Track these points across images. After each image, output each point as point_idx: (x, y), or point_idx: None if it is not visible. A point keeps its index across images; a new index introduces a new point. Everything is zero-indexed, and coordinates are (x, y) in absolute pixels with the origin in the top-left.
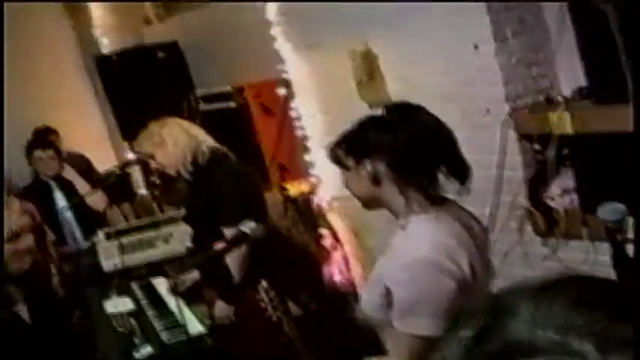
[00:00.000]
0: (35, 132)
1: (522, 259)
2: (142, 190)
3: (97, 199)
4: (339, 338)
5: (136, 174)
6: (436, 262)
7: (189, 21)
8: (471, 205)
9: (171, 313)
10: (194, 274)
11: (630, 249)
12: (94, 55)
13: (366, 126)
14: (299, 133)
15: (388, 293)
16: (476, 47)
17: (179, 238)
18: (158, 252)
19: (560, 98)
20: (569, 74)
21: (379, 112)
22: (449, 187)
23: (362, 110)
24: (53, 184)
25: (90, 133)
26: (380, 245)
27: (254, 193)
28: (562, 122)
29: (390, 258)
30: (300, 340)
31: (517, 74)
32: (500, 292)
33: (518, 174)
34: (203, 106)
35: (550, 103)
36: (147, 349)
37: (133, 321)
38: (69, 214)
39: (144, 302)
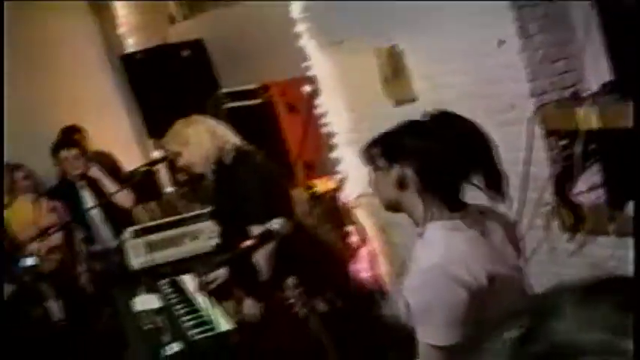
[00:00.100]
0: (61, 132)
1: (549, 255)
2: (169, 189)
3: (124, 198)
4: (366, 335)
5: (162, 172)
6: (447, 270)
7: (213, 19)
8: None
9: (198, 311)
10: (222, 272)
11: None
12: (120, 54)
13: (405, 130)
14: (324, 130)
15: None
16: (501, 43)
17: (206, 235)
18: (185, 249)
19: (586, 94)
20: (595, 69)
21: (422, 117)
22: (484, 195)
23: (387, 108)
24: (80, 183)
25: (116, 132)
26: (406, 242)
27: (279, 190)
28: (589, 118)
29: (411, 267)
30: (327, 337)
31: (542, 70)
32: (544, 293)
33: (545, 170)
34: (228, 104)
35: (576, 98)
36: (175, 346)
37: (161, 318)
38: (96, 213)
39: (172, 299)
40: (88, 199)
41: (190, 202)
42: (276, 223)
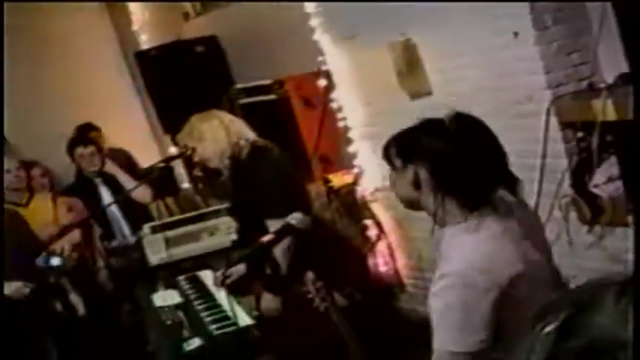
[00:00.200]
0: (77, 129)
1: (568, 247)
2: (186, 184)
3: (142, 193)
4: (386, 328)
5: (179, 168)
6: (467, 277)
7: (227, 16)
8: None
9: (218, 306)
10: (241, 267)
11: None
12: (134, 51)
13: (421, 129)
14: (340, 124)
15: None
16: (516, 35)
17: (224, 230)
18: (204, 245)
19: (602, 85)
20: (611, 61)
21: (438, 117)
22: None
23: (403, 101)
24: (97, 180)
25: (133, 129)
26: (424, 236)
27: (296, 184)
28: (605, 109)
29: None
30: (347, 331)
31: (558, 62)
32: (583, 287)
33: (562, 162)
34: (244, 99)
35: (592, 90)
36: (196, 341)
37: (181, 314)
38: (115, 209)
39: (191, 295)
40: (106, 195)
41: (208, 198)
42: (294, 218)
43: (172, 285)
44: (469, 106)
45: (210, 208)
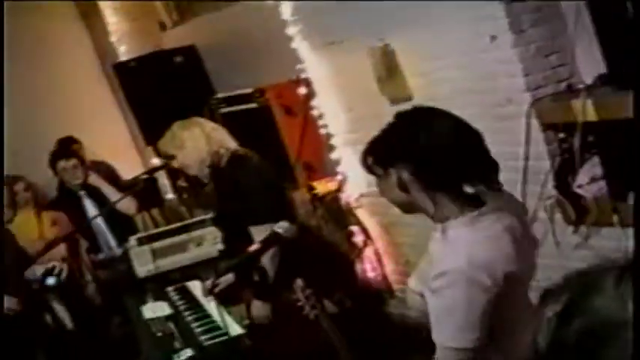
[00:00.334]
0: (58, 142)
1: (554, 248)
2: (170, 195)
3: (127, 205)
4: (376, 334)
5: (163, 179)
6: (469, 275)
7: (204, 25)
8: None
9: (208, 316)
10: (229, 276)
11: None
12: (113, 63)
13: (388, 133)
14: (323, 131)
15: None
16: (493, 38)
17: (211, 240)
18: (191, 255)
19: (581, 86)
20: (589, 61)
21: (398, 118)
22: (478, 189)
23: (384, 107)
24: (82, 192)
25: (114, 141)
26: (410, 241)
27: (277, 191)
28: (585, 110)
29: (429, 265)
30: (338, 338)
31: (536, 64)
32: (584, 270)
33: (545, 164)
34: (225, 109)
35: (571, 91)
36: (187, 352)
37: (171, 325)
38: (100, 222)
39: (181, 306)
40: (90, 208)
41: (192, 208)
42: (280, 227)
43: (161, 296)
44: (450, 109)
45: (196, 219)
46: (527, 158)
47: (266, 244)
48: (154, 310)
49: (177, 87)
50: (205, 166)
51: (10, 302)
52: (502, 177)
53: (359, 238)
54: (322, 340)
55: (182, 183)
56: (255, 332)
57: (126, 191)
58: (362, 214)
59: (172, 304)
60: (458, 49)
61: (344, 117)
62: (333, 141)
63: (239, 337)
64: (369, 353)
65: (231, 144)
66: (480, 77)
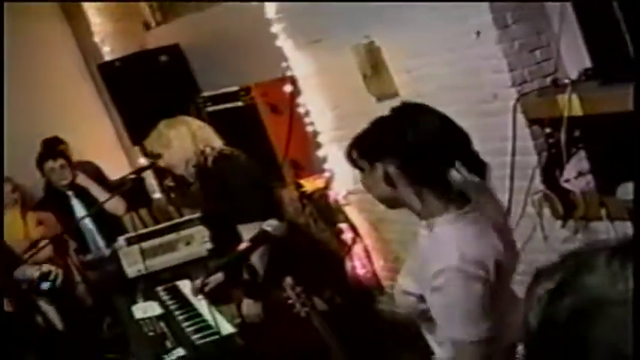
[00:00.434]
0: (43, 143)
1: (543, 243)
2: (157, 194)
3: (115, 205)
4: (367, 331)
5: (150, 178)
6: (464, 270)
7: (188, 24)
8: None
9: (199, 315)
10: (218, 275)
11: None
12: (98, 63)
13: (376, 128)
14: (309, 129)
15: (423, 300)
16: (478, 34)
17: (200, 240)
18: (180, 255)
19: (566, 81)
20: (574, 56)
21: (387, 112)
22: (468, 184)
23: (370, 104)
24: (70, 193)
25: (100, 141)
26: (399, 238)
27: (264, 189)
28: (570, 105)
29: (420, 264)
30: (329, 335)
31: (521, 60)
32: (577, 250)
33: (532, 159)
34: (211, 107)
35: (557, 86)
36: (179, 352)
37: (162, 325)
38: (89, 222)
39: (172, 305)
40: (78, 208)
41: (181, 208)
42: (269, 225)
43: (152, 296)
44: (436, 105)
45: (184, 218)
46: (514, 153)
47: (255, 242)
48: (145, 310)
49: (163, 86)
50: (191, 165)
51: None
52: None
53: (348, 236)
54: (313, 337)
55: (169, 182)
56: (246, 331)
57: (114, 191)
58: (350, 211)
59: (163, 304)
60: (443, 46)
61: (330, 114)
62: (320, 138)
63: (231, 336)
64: (360, 350)
65: (218, 143)
66: (466, 73)
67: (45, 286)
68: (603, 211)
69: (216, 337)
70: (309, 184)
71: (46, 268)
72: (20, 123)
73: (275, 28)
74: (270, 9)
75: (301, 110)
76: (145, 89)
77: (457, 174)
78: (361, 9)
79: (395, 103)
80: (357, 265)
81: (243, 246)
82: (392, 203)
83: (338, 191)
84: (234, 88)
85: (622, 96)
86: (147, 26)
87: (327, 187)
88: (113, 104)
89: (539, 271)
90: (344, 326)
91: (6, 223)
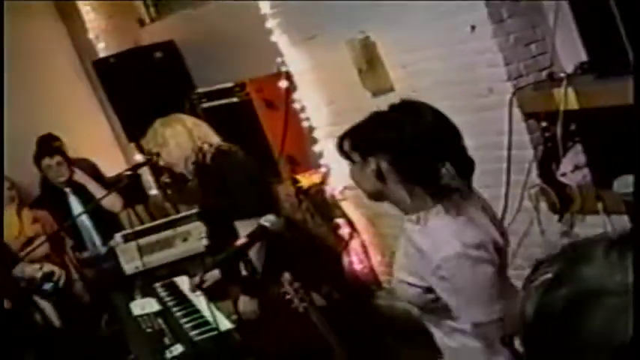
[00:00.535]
0: (39, 140)
1: (540, 236)
2: (153, 191)
3: (112, 201)
4: (365, 325)
5: (146, 175)
6: (468, 255)
7: (182, 20)
8: (484, 188)
9: (197, 311)
10: (215, 272)
11: None
12: (92, 60)
13: (372, 122)
14: (305, 124)
15: (429, 291)
16: (473, 28)
17: (197, 236)
18: (177, 251)
19: (562, 74)
20: (569, 50)
21: (385, 108)
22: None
23: (365, 99)
24: (67, 190)
25: (96, 138)
26: (396, 233)
27: (263, 185)
28: (566, 99)
29: (417, 259)
30: (328, 330)
31: (517, 54)
32: (576, 242)
33: (528, 153)
34: (206, 104)
35: (553, 80)
36: (178, 348)
37: (160, 321)
38: (85, 219)
39: (170, 302)
40: (76, 205)
41: (177, 204)
42: (267, 221)
43: (149, 293)
44: (432, 100)
45: (181, 214)
46: (510, 148)
47: (253, 237)
48: (143, 306)
49: (158, 83)
50: (190, 162)
51: None
52: (486, 167)
53: (345, 231)
54: (312, 333)
55: (166, 179)
56: (244, 327)
57: (110, 188)
58: (347, 206)
59: (161, 301)
60: (438, 41)
61: (325, 110)
62: (316, 134)
63: (229, 331)
64: (358, 345)
65: (215, 139)
66: (461, 68)
67: (48, 287)
68: (600, 205)
69: (215, 332)
70: (306, 180)
71: (47, 268)
72: (16, 121)
73: (270, 24)
74: (265, 4)
75: (297, 106)
76: (139, 86)
77: (446, 171)
78: (356, 4)
79: (390, 98)
80: (355, 260)
81: (241, 241)
82: (378, 197)
83: (334, 186)
84: (230, 84)
85: (618, 89)
86: (141, 22)
87: (323, 182)
88: (108, 100)
89: (538, 262)
90: (342, 321)
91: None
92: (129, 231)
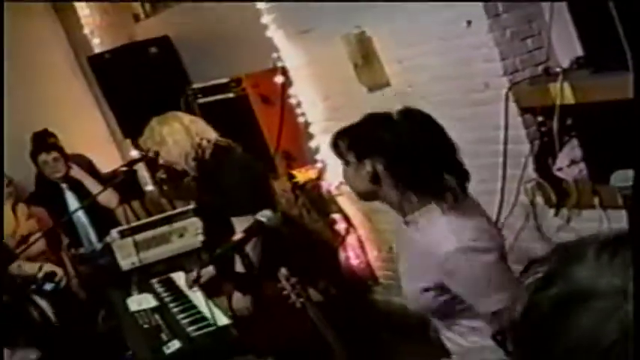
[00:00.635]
0: (34, 136)
1: (536, 231)
2: (149, 187)
3: (108, 197)
4: (362, 321)
5: (142, 171)
6: (470, 247)
7: (178, 16)
8: (481, 182)
9: (194, 307)
10: (209, 269)
11: None
12: (87, 55)
13: (371, 124)
14: (301, 120)
15: (442, 291)
16: (469, 23)
17: (193, 231)
18: (174, 247)
19: (558, 69)
20: (565, 44)
21: (386, 111)
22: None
23: (361, 94)
24: (64, 185)
25: (91, 133)
26: (392, 228)
27: (261, 182)
28: (563, 93)
29: (419, 258)
30: (325, 325)
31: (513, 48)
32: (568, 243)
33: (524, 147)
34: (202, 99)
35: (549, 74)
36: (175, 344)
37: (157, 317)
38: (82, 215)
39: (166, 298)
40: (72, 201)
41: (173, 200)
42: (264, 216)
43: (146, 289)
44: (428, 95)
45: (178, 210)
46: (506, 142)
47: (250, 233)
48: (140, 302)
49: (153, 78)
50: (191, 159)
51: None
52: (482, 161)
53: (341, 226)
54: (309, 328)
55: (161, 174)
56: (241, 323)
57: (106, 184)
58: (343, 201)
59: (158, 296)
60: (434, 35)
61: (321, 105)
62: (312, 129)
63: (227, 327)
64: (355, 340)
65: (212, 135)
66: (457, 63)
67: (49, 287)
68: (596, 199)
69: (212, 328)
70: (302, 175)
71: (48, 268)
72: (11, 117)
73: (265, 19)
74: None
75: (293, 101)
76: (134, 81)
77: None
78: None
79: (386, 93)
80: (351, 255)
81: (237, 237)
82: (370, 197)
83: (330, 182)
84: (225, 80)
85: (614, 84)
86: (136, 18)
87: (319, 177)
88: (103, 96)
89: (530, 261)
90: (339, 317)
91: None
92: (125, 227)
